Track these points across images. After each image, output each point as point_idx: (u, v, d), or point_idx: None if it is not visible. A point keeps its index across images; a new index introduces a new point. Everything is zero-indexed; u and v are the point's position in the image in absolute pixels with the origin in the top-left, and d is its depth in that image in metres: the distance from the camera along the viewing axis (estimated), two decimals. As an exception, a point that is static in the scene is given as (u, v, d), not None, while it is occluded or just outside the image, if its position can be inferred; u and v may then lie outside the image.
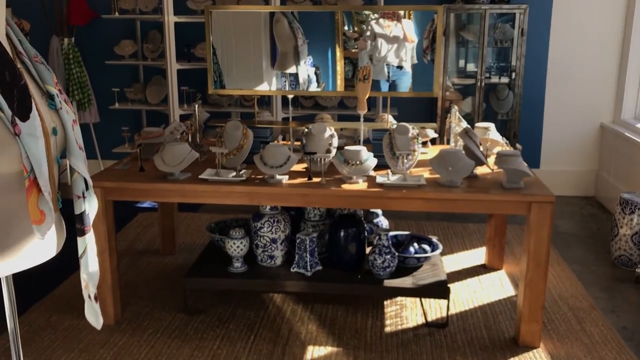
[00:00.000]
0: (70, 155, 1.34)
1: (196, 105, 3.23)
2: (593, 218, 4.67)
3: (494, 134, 3.34)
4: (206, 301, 3.20)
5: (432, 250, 3.23)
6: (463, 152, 2.89)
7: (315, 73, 3.59)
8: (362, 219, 3.23)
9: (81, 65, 5.02)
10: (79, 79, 4.97)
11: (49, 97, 1.31)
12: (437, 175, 2.87)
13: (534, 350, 2.78)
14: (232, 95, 4.89)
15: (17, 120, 1.16)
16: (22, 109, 1.17)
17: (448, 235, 4.22)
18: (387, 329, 2.96)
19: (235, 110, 5.11)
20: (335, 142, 3.06)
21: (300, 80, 3.55)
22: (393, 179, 2.81)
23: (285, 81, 3.58)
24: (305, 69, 3.54)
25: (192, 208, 4.61)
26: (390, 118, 3.49)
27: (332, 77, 3.59)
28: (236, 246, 3.03)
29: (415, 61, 3.46)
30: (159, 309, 3.13)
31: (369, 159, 2.86)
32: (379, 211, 3.55)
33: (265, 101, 5.00)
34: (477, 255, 3.86)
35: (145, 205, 4.77)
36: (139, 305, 3.17)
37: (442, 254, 3.60)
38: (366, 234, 3.20)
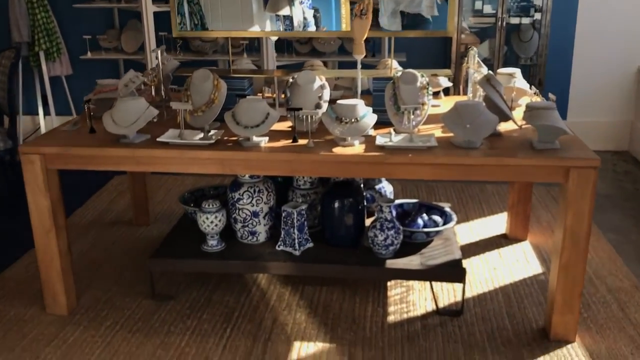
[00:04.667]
0: None
1: (158, 51, 2.69)
2: (628, 176, 4.11)
3: (520, 81, 2.78)
4: (178, 285, 2.74)
5: (445, 222, 2.73)
6: (484, 104, 2.35)
7: (314, 16, 3.05)
8: (361, 186, 2.72)
9: (47, 10, 4.50)
10: (45, 26, 4.44)
11: None
12: (452, 135, 2.33)
13: (569, 346, 2.30)
14: (217, 40, 4.31)
15: None
16: None
17: (463, 199, 3.70)
18: (390, 318, 2.48)
19: (222, 59, 4.55)
20: (326, 94, 2.52)
21: (295, 24, 3.03)
22: (396, 139, 2.28)
23: (279, 25, 3.04)
24: (300, 11, 3.00)
25: (174, 170, 4.09)
26: (395, 64, 2.92)
27: (335, 21, 3.04)
28: (209, 221, 2.54)
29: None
30: (122, 294, 2.67)
31: (367, 116, 2.32)
32: (382, 175, 3.04)
33: (255, 47, 4.43)
34: (497, 223, 3.34)
35: (124, 167, 4.26)
36: (100, 290, 2.71)
37: (457, 222, 3.09)
38: (365, 204, 2.70)
